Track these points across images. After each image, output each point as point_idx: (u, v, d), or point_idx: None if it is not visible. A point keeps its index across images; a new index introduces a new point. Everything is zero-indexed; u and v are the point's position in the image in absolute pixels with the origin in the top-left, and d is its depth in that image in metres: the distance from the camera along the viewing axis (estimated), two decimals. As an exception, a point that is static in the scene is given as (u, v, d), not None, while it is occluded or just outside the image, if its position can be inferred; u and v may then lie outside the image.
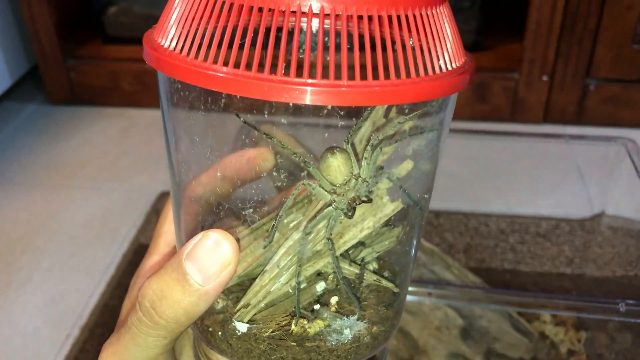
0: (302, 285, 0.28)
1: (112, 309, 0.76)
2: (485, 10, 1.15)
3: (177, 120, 0.29)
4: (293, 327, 0.27)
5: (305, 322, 0.27)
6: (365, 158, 0.28)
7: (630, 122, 1.12)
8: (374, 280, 0.29)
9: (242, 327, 0.28)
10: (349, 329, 0.28)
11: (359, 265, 0.30)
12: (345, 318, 0.28)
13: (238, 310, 0.28)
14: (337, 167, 0.27)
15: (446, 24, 0.25)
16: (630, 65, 1.07)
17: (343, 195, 0.27)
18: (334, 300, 0.28)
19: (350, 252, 0.30)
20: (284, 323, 0.27)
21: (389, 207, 0.27)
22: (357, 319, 0.28)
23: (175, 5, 0.25)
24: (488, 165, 0.94)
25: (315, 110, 0.31)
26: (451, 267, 0.65)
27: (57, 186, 1.01)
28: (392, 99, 0.23)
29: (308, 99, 0.22)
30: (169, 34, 0.25)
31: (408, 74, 0.23)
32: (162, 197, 0.96)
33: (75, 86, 1.24)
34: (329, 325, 0.27)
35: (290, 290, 0.28)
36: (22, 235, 0.90)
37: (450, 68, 0.25)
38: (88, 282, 0.81)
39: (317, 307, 0.28)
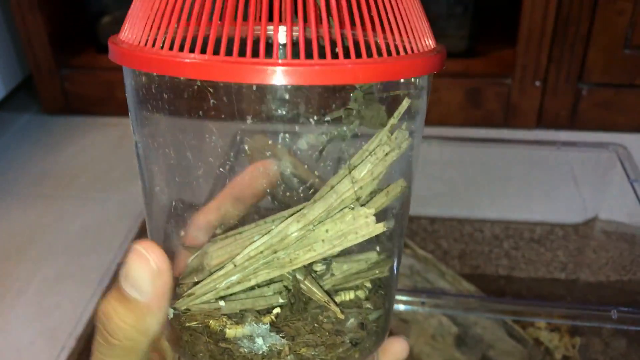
0: (243, 287, 0.28)
1: (108, 320, 0.76)
2: (477, 17, 1.15)
3: (151, 124, 0.29)
4: (211, 322, 0.27)
5: (226, 321, 0.27)
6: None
7: (623, 126, 1.12)
8: (324, 302, 0.28)
9: (170, 313, 0.28)
10: (262, 338, 0.27)
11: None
12: (256, 325, 0.27)
13: (181, 298, 0.28)
14: None
15: (415, 5, 0.25)
16: (622, 69, 1.08)
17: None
18: (276, 310, 0.28)
19: (332, 272, 0.29)
20: (207, 318, 0.27)
21: (374, 228, 0.26)
22: (271, 331, 0.27)
23: (137, 2, 0.25)
24: (482, 172, 0.94)
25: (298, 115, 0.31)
26: (445, 275, 0.65)
27: (52, 196, 1.01)
28: (365, 76, 0.22)
29: (280, 79, 0.21)
30: (132, 29, 0.24)
31: (380, 54, 0.23)
32: (157, 206, 0.96)
33: (69, 96, 1.24)
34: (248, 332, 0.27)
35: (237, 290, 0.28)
36: (17, 246, 0.90)
37: (425, 49, 0.25)
38: (83, 293, 0.81)
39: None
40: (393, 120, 0.27)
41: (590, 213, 0.85)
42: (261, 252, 0.27)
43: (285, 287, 0.28)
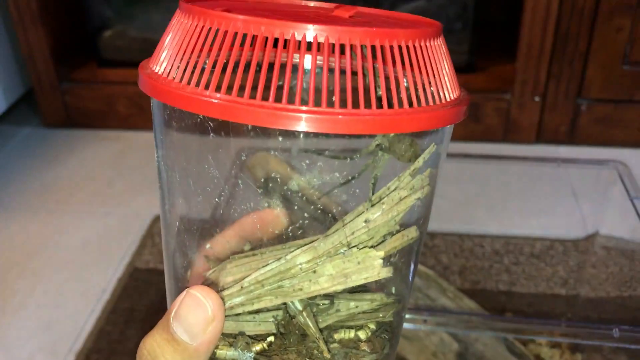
0: (245, 309, 0.28)
1: (108, 334, 0.76)
2: (477, 32, 1.16)
3: (175, 150, 0.29)
4: None
5: (220, 341, 0.27)
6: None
7: (622, 142, 1.13)
8: (316, 337, 0.28)
9: None
10: None
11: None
12: (241, 351, 0.27)
13: None
14: None
15: (442, 56, 0.25)
16: (620, 85, 1.08)
17: None
18: (270, 338, 0.28)
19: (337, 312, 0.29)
20: None
21: (379, 271, 0.26)
22: (257, 359, 0.27)
23: (171, 34, 0.25)
24: (482, 187, 0.94)
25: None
26: (446, 291, 0.66)
27: (53, 210, 1.01)
28: (385, 127, 0.23)
29: (303, 126, 0.22)
30: (164, 61, 0.25)
31: (400, 105, 0.23)
32: (158, 220, 0.97)
33: (70, 109, 1.24)
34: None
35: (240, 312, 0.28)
36: (18, 260, 0.90)
37: (446, 100, 0.25)
38: (83, 307, 0.81)
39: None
40: (417, 164, 0.28)
41: (590, 229, 0.85)
42: (268, 278, 0.27)
43: (274, 317, 0.28)
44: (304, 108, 0.22)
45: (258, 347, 0.27)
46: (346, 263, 0.26)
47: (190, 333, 0.24)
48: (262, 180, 0.40)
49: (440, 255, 0.88)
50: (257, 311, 0.28)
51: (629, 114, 1.11)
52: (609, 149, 1.13)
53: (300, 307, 0.28)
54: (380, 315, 0.29)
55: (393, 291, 0.31)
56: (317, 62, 0.23)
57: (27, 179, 1.10)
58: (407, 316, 0.49)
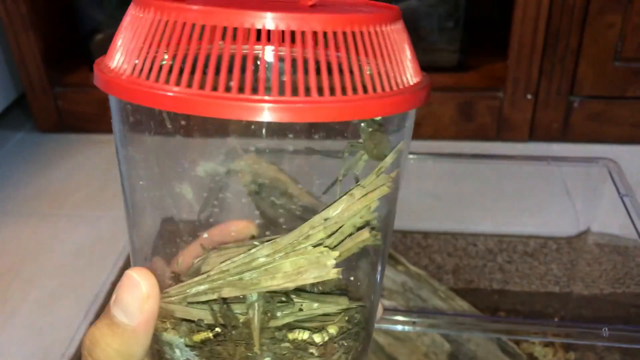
0: (207, 298, 0.28)
1: (101, 340, 0.76)
2: (468, 31, 1.16)
3: (136, 152, 0.29)
4: (158, 322, 0.28)
5: (169, 325, 0.28)
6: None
7: (615, 138, 1.13)
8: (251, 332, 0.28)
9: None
10: (179, 351, 0.28)
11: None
12: (175, 336, 0.27)
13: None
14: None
15: (402, 40, 0.25)
16: (612, 82, 1.08)
17: None
18: (218, 328, 0.28)
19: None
20: (164, 318, 0.28)
21: (327, 272, 0.26)
22: (186, 344, 0.28)
23: (125, 29, 0.25)
24: (475, 186, 0.94)
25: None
26: (438, 291, 0.66)
27: (46, 215, 1.01)
28: (351, 114, 0.22)
29: (265, 116, 0.21)
30: (119, 57, 0.24)
31: (365, 91, 0.23)
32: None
33: (63, 113, 1.24)
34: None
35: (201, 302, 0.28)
36: (10, 266, 0.89)
37: (409, 84, 0.25)
38: (77, 312, 0.81)
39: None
40: (385, 164, 0.27)
41: (582, 227, 0.85)
42: (231, 269, 0.27)
43: (211, 307, 0.28)
44: (266, 97, 0.21)
45: (202, 335, 0.27)
46: (301, 260, 0.26)
47: (127, 313, 0.25)
48: (250, 182, 0.40)
49: (433, 254, 0.88)
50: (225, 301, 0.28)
51: (621, 110, 1.11)
52: (602, 146, 1.13)
53: (254, 299, 0.27)
54: (339, 320, 0.29)
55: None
56: (279, 51, 0.22)
57: (20, 184, 1.10)
58: (397, 318, 0.49)
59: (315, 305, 0.28)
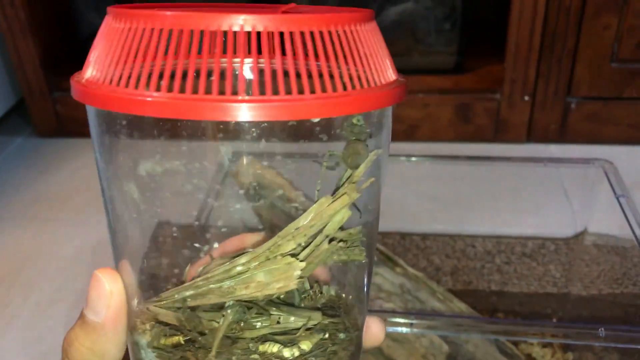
0: (192, 304, 0.29)
1: (101, 344, 0.76)
2: (465, 33, 1.16)
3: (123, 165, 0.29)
4: (138, 323, 0.29)
5: (147, 327, 0.28)
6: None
7: (612, 139, 1.13)
8: (210, 342, 0.28)
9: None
10: (144, 351, 0.28)
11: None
12: (140, 338, 0.28)
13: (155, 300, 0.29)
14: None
15: (375, 40, 0.25)
16: (609, 83, 1.09)
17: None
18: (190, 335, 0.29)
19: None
20: (147, 320, 0.29)
21: (292, 282, 0.26)
22: (149, 346, 0.28)
23: (101, 40, 0.25)
24: (472, 188, 0.95)
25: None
26: (436, 293, 0.66)
27: (45, 219, 1.01)
28: (333, 110, 0.23)
29: (244, 116, 0.21)
30: (96, 68, 0.24)
31: (344, 88, 0.23)
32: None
33: (61, 118, 1.24)
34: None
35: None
36: (9, 270, 0.90)
37: (386, 81, 0.25)
38: (76, 317, 0.81)
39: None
40: (355, 178, 0.28)
41: (580, 227, 0.85)
42: (214, 276, 0.27)
43: (179, 312, 0.29)
44: (247, 97, 0.21)
45: (173, 339, 0.28)
46: (273, 271, 0.26)
47: (95, 311, 0.27)
48: (248, 186, 0.40)
49: (432, 256, 0.88)
50: (215, 307, 0.28)
51: (619, 110, 1.11)
52: (600, 146, 1.13)
53: (227, 307, 0.28)
54: (325, 336, 0.28)
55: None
56: (257, 53, 0.22)
57: (20, 189, 1.10)
58: (395, 319, 0.49)
59: (292, 318, 0.28)
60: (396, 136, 1.23)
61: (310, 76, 0.22)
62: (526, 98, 1.12)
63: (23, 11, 1.13)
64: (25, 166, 1.17)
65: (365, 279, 0.31)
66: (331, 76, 0.23)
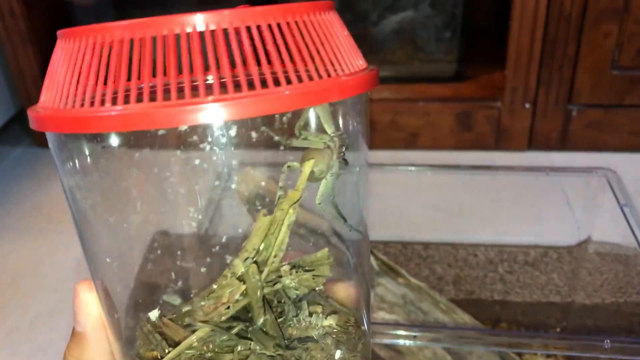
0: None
1: (101, 356, 0.76)
2: (465, 41, 1.16)
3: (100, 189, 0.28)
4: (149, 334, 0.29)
5: (153, 340, 0.29)
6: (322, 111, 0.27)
7: (614, 146, 1.13)
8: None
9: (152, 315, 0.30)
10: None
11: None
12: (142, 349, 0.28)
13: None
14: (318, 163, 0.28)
15: (336, 28, 0.24)
16: (610, 90, 1.09)
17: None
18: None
19: None
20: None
21: (232, 287, 0.27)
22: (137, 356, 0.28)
23: (54, 64, 0.24)
24: (474, 196, 0.94)
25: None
26: (439, 304, 0.65)
27: (46, 230, 1.01)
28: (305, 101, 0.21)
29: (214, 116, 0.20)
30: (54, 93, 0.23)
31: (310, 78, 0.22)
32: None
33: (61, 128, 1.24)
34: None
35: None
36: (10, 281, 0.89)
37: (356, 69, 0.24)
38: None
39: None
40: (297, 193, 0.28)
41: (583, 235, 0.85)
42: (205, 295, 0.28)
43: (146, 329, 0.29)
44: (209, 98, 0.20)
45: (152, 353, 0.28)
46: (223, 289, 0.27)
47: (77, 320, 0.28)
48: (247, 197, 0.39)
49: (434, 265, 0.88)
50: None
51: (620, 118, 1.11)
52: (601, 154, 1.13)
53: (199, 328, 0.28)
54: None
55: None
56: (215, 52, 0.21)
57: (20, 199, 1.09)
58: (398, 332, 0.49)
59: (257, 347, 0.28)
60: (396, 144, 1.23)
61: (284, 71, 0.21)
62: (527, 106, 1.12)
63: (23, 21, 1.13)
64: (25, 176, 1.17)
65: (364, 301, 0.31)
66: (296, 71, 0.22)
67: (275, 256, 0.28)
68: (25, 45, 1.16)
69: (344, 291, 0.30)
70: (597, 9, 1.03)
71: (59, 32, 0.24)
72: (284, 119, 0.27)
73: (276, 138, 0.28)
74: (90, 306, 0.28)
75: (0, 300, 0.86)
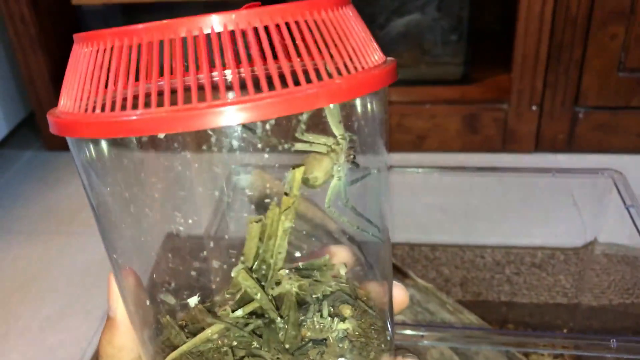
0: None
1: (111, 357, 0.76)
2: (472, 43, 1.16)
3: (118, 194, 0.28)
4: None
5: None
6: (330, 114, 0.27)
7: (620, 148, 1.13)
8: None
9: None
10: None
11: None
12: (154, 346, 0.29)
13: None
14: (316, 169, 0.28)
15: (354, 23, 0.24)
16: (616, 92, 1.09)
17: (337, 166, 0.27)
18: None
19: None
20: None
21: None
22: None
23: (72, 69, 0.24)
24: (481, 198, 0.94)
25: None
26: (446, 304, 0.66)
27: (55, 233, 1.02)
28: (322, 100, 0.21)
29: (236, 118, 0.20)
30: (73, 99, 0.23)
31: (330, 76, 0.21)
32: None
33: (71, 132, 1.25)
34: None
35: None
36: (20, 284, 0.90)
37: (374, 64, 0.24)
38: (86, 329, 0.81)
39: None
40: (289, 200, 0.28)
41: (589, 237, 0.85)
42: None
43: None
44: (229, 100, 0.20)
45: (172, 355, 0.29)
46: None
47: (110, 307, 0.29)
48: (257, 200, 0.40)
49: (441, 267, 0.88)
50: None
51: (626, 120, 1.11)
52: (608, 156, 1.13)
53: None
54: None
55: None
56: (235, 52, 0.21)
57: (30, 203, 1.10)
58: (405, 332, 0.49)
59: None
60: (404, 147, 1.23)
61: (305, 71, 0.21)
62: (534, 108, 1.12)
63: (33, 27, 1.15)
64: (35, 180, 1.18)
65: (388, 305, 0.31)
66: (316, 69, 0.21)
67: (274, 261, 0.28)
68: (35, 50, 1.17)
69: (376, 291, 0.30)
70: (603, 11, 1.03)
71: (75, 36, 0.24)
72: (299, 118, 0.27)
73: (273, 142, 0.28)
74: (115, 294, 0.29)
75: (11, 303, 0.86)
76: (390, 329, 0.30)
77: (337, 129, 0.27)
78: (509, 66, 1.11)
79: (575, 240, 0.88)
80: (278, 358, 0.27)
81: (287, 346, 0.27)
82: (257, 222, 0.29)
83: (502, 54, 1.18)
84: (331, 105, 0.26)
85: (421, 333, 0.47)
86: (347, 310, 0.29)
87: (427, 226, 0.93)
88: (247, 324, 0.28)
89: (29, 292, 0.89)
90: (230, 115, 0.20)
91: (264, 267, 0.29)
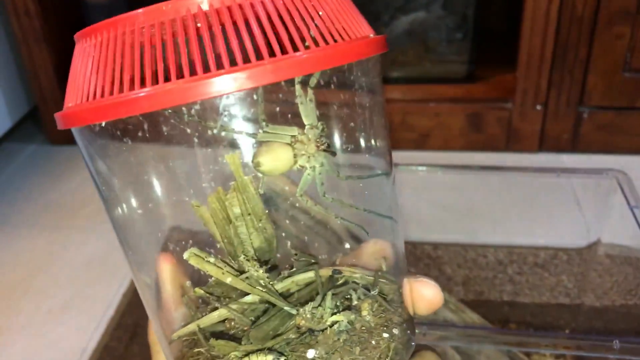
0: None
1: (113, 350, 0.76)
2: (477, 42, 1.16)
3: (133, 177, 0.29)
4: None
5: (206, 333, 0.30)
6: (302, 103, 0.27)
7: (625, 148, 1.13)
8: None
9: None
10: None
11: None
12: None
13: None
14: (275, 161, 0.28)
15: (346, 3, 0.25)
16: (621, 92, 1.08)
17: (306, 154, 0.27)
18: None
19: None
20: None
21: None
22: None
23: (74, 65, 0.25)
24: (484, 198, 0.94)
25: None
26: (448, 303, 0.65)
27: (57, 227, 1.02)
28: (311, 67, 0.22)
29: (236, 85, 0.21)
30: (80, 89, 0.24)
31: (317, 44, 0.22)
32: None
33: (74, 126, 1.25)
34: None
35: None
36: (22, 278, 0.90)
37: (364, 34, 0.25)
38: (88, 324, 0.81)
39: None
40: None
41: (593, 237, 0.85)
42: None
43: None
44: (236, 67, 0.21)
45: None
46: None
47: (161, 286, 0.31)
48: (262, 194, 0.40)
49: (443, 266, 0.88)
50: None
51: (631, 120, 1.11)
52: (612, 156, 1.13)
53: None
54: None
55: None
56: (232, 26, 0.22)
57: (33, 196, 1.11)
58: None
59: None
60: (407, 145, 1.23)
61: (292, 38, 0.22)
62: (538, 107, 1.12)
63: (38, 20, 1.15)
64: (38, 174, 1.18)
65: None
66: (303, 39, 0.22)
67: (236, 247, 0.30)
68: (40, 43, 1.17)
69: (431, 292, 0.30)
70: (609, 11, 1.02)
71: (75, 36, 0.24)
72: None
73: (236, 130, 0.28)
74: (167, 274, 0.31)
75: (14, 296, 0.87)
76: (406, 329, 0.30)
77: (306, 118, 0.28)
78: (514, 65, 1.11)
79: (579, 241, 0.88)
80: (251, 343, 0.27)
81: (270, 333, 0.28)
82: (197, 206, 0.30)
83: (507, 52, 1.18)
84: (301, 93, 0.27)
85: (423, 332, 0.47)
86: (365, 305, 0.28)
87: (429, 224, 0.93)
88: (254, 310, 0.29)
89: (32, 285, 0.89)
90: (233, 80, 0.21)
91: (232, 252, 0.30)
